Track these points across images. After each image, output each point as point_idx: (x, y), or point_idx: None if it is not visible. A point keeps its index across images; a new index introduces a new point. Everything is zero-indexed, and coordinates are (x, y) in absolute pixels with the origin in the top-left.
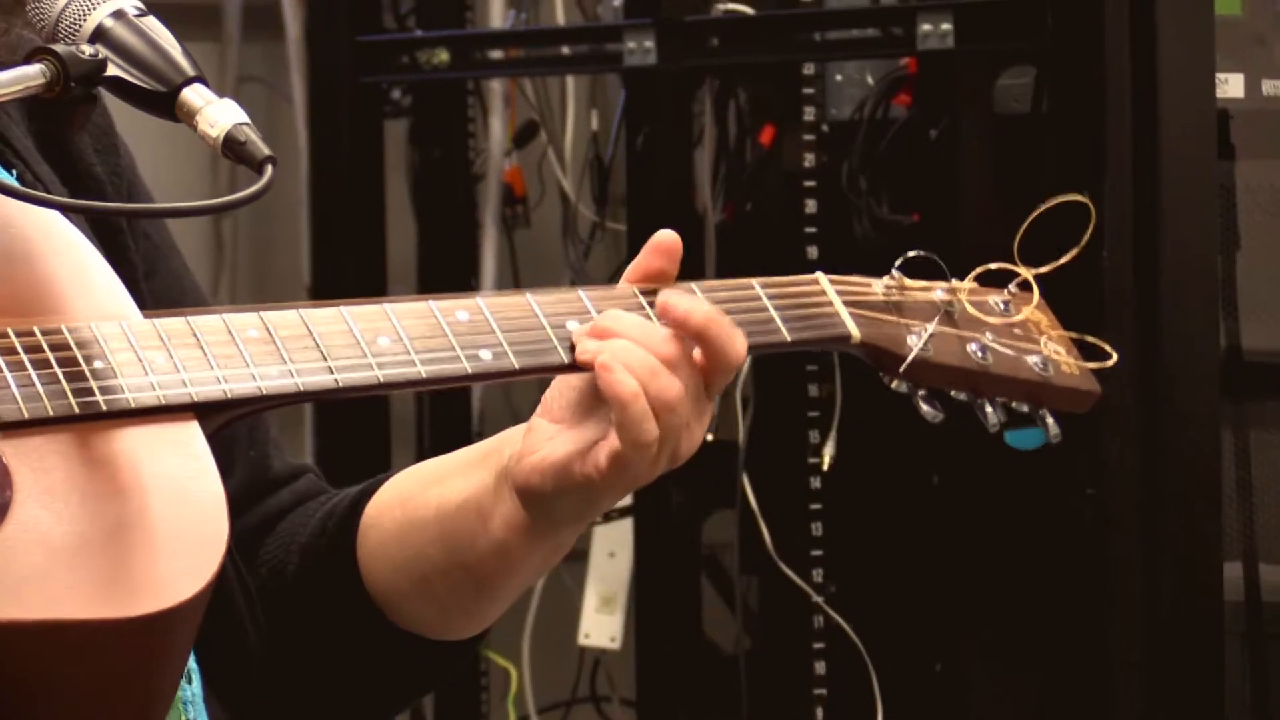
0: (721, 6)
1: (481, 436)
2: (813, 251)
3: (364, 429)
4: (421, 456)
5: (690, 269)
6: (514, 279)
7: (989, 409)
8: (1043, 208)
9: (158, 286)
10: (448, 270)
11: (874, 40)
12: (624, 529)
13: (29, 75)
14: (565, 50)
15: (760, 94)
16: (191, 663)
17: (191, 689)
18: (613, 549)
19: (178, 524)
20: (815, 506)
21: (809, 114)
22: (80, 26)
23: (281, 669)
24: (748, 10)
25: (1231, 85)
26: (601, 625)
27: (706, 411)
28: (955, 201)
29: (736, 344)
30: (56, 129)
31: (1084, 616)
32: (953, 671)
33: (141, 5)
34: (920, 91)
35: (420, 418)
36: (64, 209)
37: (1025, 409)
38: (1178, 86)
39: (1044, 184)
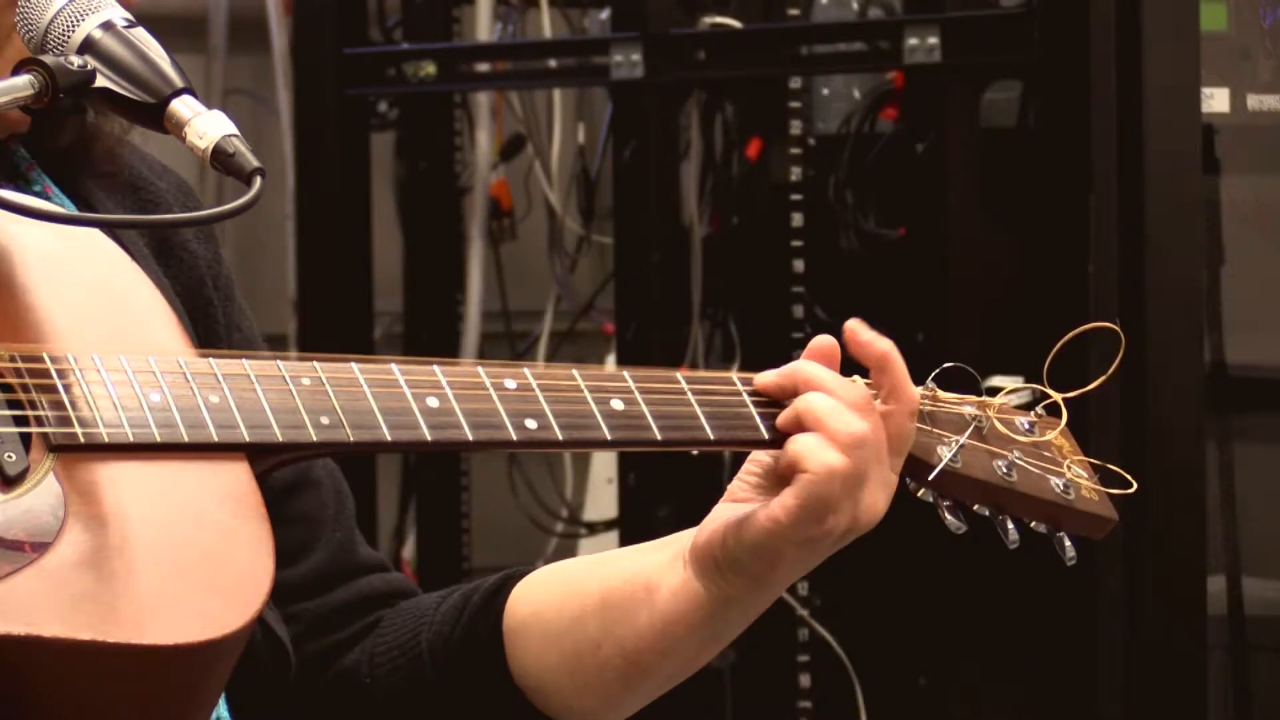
0: (708, 20)
1: (469, 472)
2: (799, 265)
3: (349, 465)
4: (406, 488)
5: (676, 282)
6: (500, 292)
7: (1009, 525)
8: (1074, 333)
9: None
10: (434, 283)
11: (861, 54)
12: (610, 541)
13: (17, 86)
14: (552, 63)
15: (747, 107)
16: (223, 708)
17: None
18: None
19: (223, 560)
20: None
21: (796, 128)
22: (69, 38)
23: None
24: (735, 24)
25: (1217, 100)
26: None
27: (889, 480)
28: (941, 215)
29: (909, 381)
30: (143, 195)
31: (1068, 629)
32: (937, 684)
33: (130, 17)
34: (907, 105)
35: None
36: (71, 222)
37: (1043, 529)
38: (1163, 101)
39: (1030, 198)
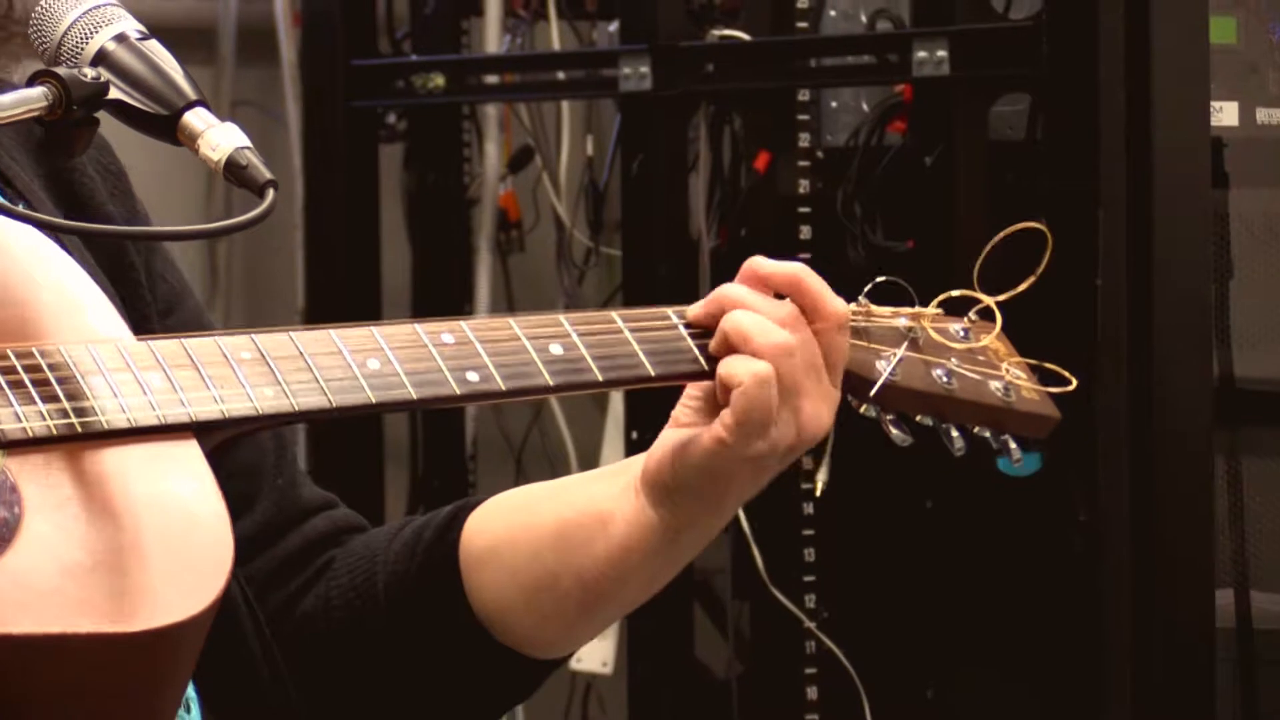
0: (717, 32)
1: (475, 459)
2: None
3: (358, 451)
4: (415, 478)
5: (684, 294)
6: (508, 303)
7: (954, 433)
8: (1000, 235)
9: (175, 325)
10: (442, 295)
11: (869, 67)
12: None
13: (31, 98)
14: (560, 75)
15: (755, 120)
16: (191, 691)
17: (190, 718)
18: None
19: (182, 541)
20: (808, 532)
21: (804, 140)
22: (82, 50)
23: (336, 696)
24: (743, 36)
25: (1226, 113)
26: (593, 650)
27: (830, 394)
28: (950, 228)
29: (832, 296)
30: (65, 169)
31: (1076, 642)
32: (945, 697)
33: (143, 29)
34: (915, 118)
35: (414, 440)
36: (60, 230)
37: (988, 434)
38: (1172, 114)
39: (1038, 211)
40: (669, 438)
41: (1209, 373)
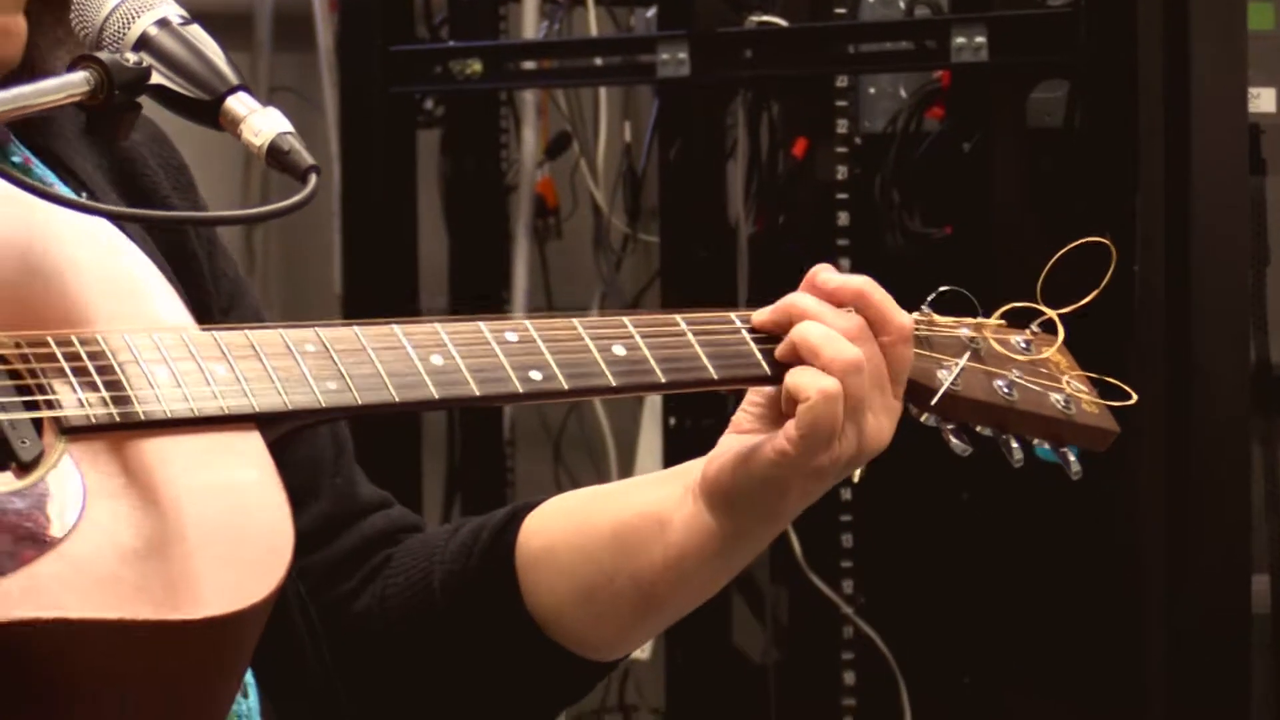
0: (755, 19)
1: (514, 447)
2: (845, 264)
3: (395, 441)
4: (452, 467)
5: (722, 281)
6: (545, 290)
7: (1014, 445)
8: (1066, 249)
9: (235, 320)
10: (479, 281)
11: (908, 53)
12: None
13: (73, 83)
14: (598, 61)
15: (793, 106)
16: (249, 677)
17: (248, 703)
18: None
19: (242, 531)
20: (845, 518)
21: (842, 126)
22: (124, 34)
23: (389, 695)
24: (781, 22)
25: (1263, 99)
26: None
27: (892, 407)
28: (988, 215)
29: (897, 309)
30: (127, 160)
31: (1112, 628)
32: (982, 684)
33: (185, 14)
34: (953, 105)
35: (451, 429)
36: (110, 216)
37: (1047, 446)
38: (1210, 101)
39: (1076, 198)
40: (730, 445)
41: (1245, 359)
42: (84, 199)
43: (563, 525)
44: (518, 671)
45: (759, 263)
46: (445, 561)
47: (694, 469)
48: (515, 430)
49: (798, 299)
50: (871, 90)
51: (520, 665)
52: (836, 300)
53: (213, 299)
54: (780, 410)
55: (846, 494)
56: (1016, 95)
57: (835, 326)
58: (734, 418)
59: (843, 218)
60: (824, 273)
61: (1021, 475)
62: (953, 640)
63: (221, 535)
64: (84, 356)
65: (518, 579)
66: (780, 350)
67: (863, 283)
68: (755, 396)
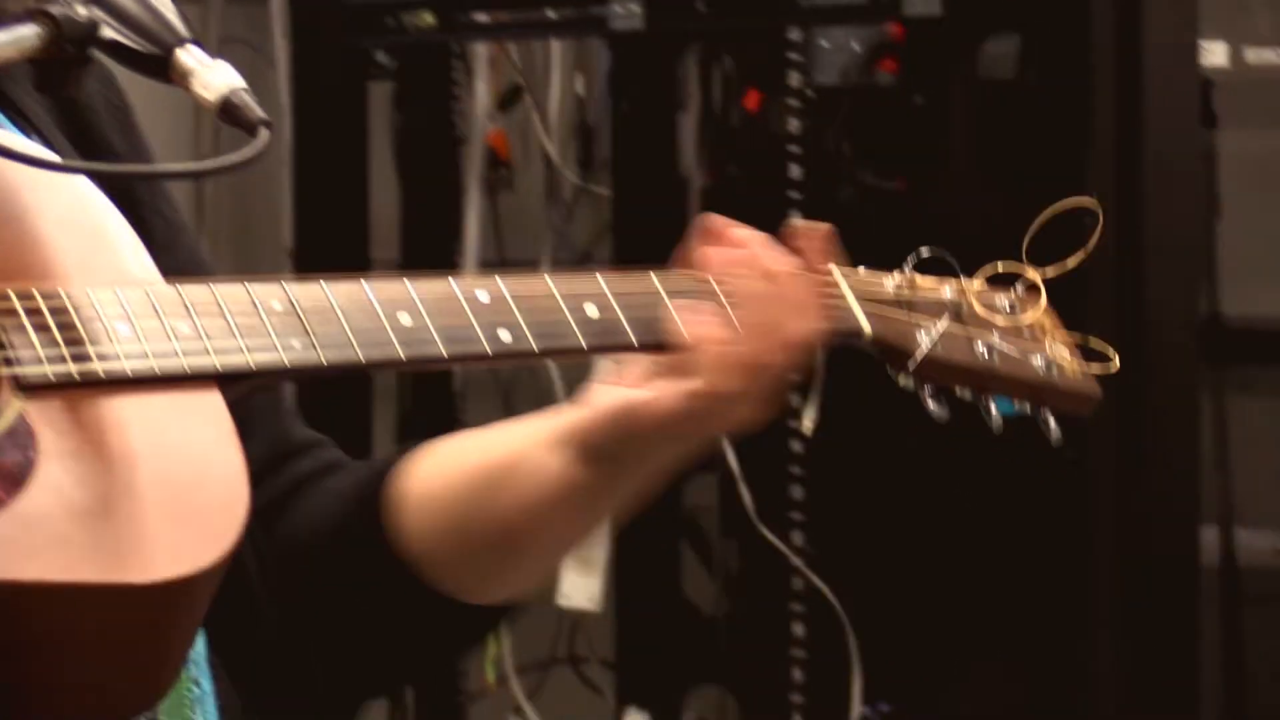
0: None
1: (465, 402)
2: (797, 216)
3: (346, 389)
4: (403, 422)
5: (674, 233)
6: (497, 242)
7: (992, 408)
8: (1052, 210)
9: (173, 262)
10: (431, 233)
11: (860, 7)
12: None
13: (22, 36)
14: (551, 14)
15: (746, 59)
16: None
17: (195, 649)
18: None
19: (198, 491)
20: (796, 470)
21: (794, 80)
22: None
23: (302, 634)
24: None
25: (1215, 53)
26: (581, 587)
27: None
28: (940, 168)
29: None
30: (74, 102)
31: (1062, 579)
32: (931, 635)
33: None
34: (906, 58)
35: (402, 380)
36: (60, 170)
37: (1027, 408)
38: (1161, 54)
39: (1028, 151)
40: (604, 399)
41: (1196, 311)
42: (34, 140)
43: (439, 473)
44: (403, 619)
45: (710, 215)
46: (334, 510)
47: (565, 417)
48: (465, 380)
49: (750, 284)
50: (824, 43)
51: (401, 612)
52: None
53: (153, 240)
54: (660, 366)
55: (797, 446)
56: (969, 48)
57: (783, 332)
58: (605, 364)
59: (795, 171)
60: (766, 254)
61: (971, 427)
62: (902, 592)
63: (177, 496)
64: (45, 311)
65: (394, 527)
66: (689, 320)
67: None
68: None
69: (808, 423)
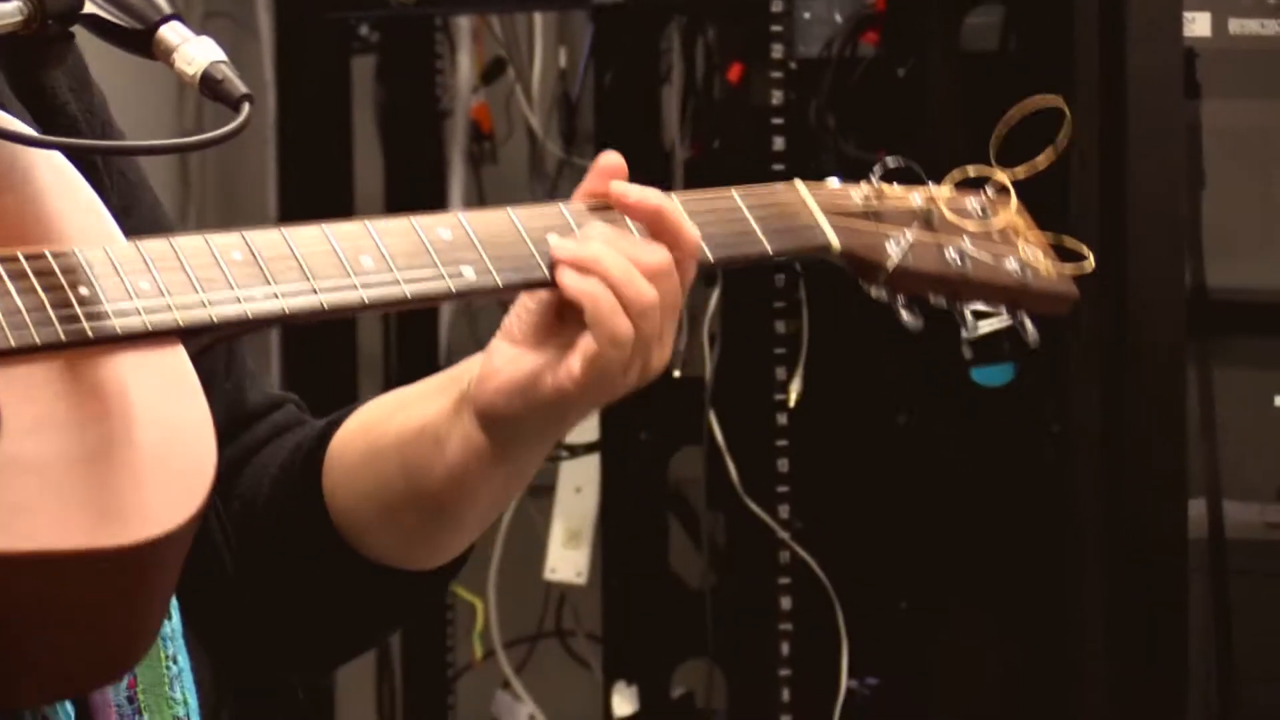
0: None
1: (449, 367)
2: None
3: (332, 361)
4: (389, 388)
5: None
6: None
7: (968, 314)
8: (1017, 110)
9: (134, 223)
10: (414, 206)
11: None
12: (591, 465)
13: (6, 12)
14: None
15: (728, 31)
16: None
17: (171, 624)
18: (579, 484)
19: (166, 450)
20: (782, 443)
21: (777, 51)
22: None
23: (253, 603)
24: None
25: (1198, 24)
26: (568, 560)
27: (673, 331)
28: (923, 139)
29: (689, 225)
30: (28, 67)
31: (1049, 553)
32: (918, 608)
33: None
34: (889, 30)
35: (387, 350)
36: (40, 145)
37: (1003, 313)
38: (1145, 25)
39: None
40: (505, 371)
41: (1181, 283)
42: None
43: (359, 445)
44: (345, 589)
45: (694, 187)
46: (271, 479)
47: (463, 378)
48: (451, 352)
49: (598, 228)
50: (807, 15)
51: (343, 583)
52: (633, 217)
53: (111, 194)
54: (555, 316)
55: (783, 419)
56: (952, 20)
57: (639, 262)
58: (504, 322)
59: (778, 143)
60: (620, 185)
61: (958, 398)
62: (889, 565)
63: (145, 456)
64: (3, 275)
65: (325, 503)
66: (566, 275)
67: (660, 200)
68: (529, 301)
69: (793, 395)
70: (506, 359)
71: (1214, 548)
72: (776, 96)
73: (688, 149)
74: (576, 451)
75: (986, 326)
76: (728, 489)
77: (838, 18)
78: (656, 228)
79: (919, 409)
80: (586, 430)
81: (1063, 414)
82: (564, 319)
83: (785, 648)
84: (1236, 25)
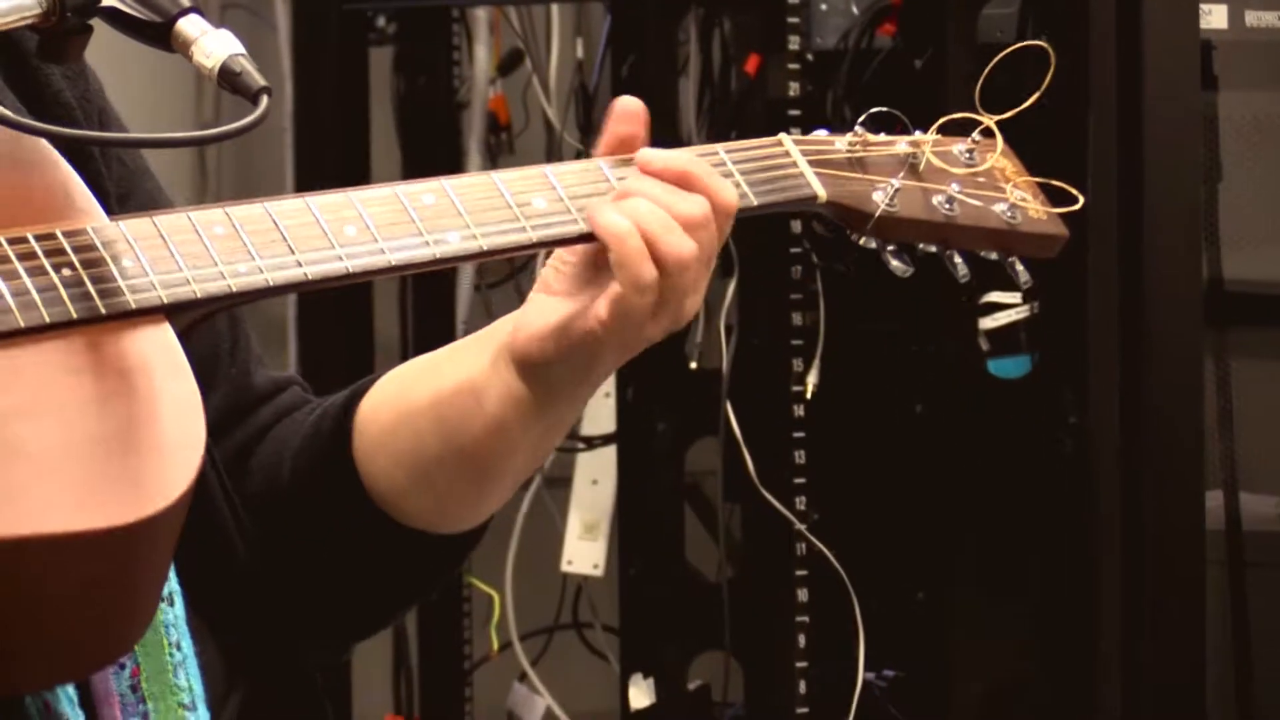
0: None
1: None
2: None
3: (347, 350)
4: None
5: None
6: None
7: (958, 260)
8: (1002, 54)
9: (133, 209)
10: None
11: None
12: (607, 456)
13: (25, 5)
14: None
15: (745, 22)
16: (174, 584)
17: (174, 611)
18: (596, 476)
19: (155, 427)
20: (798, 434)
21: (794, 43)
22: None
23: (277, 578)
24: None
25: (1215, 16)
26: (584, 552)
27: (706, 278)
28: (939, 132)
29: (726, 188)
30: (22, 58)
31: (1067, 545)
32: (935, 599)
33: None
34: (905, 21)
35: (404, 334)
36: (52, 137)
37: (994, 257)
38: (1162, 17)
39: (1028, 114)
40: (539, 312)
41: (1198, 275)
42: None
43: (391, 408)
44: (377, 556)
45: None
46: (293, 453)
47: (502, 332)
48: (466, 333)
49: (640, 181)
50: (824, 6)
51: (376, 550)
52: (667, 179)
53: (107, 182)
54: (592, 267)
55: (799, 410)
56: (968, 11)
57: (676, 213)
58: (542, 273)
59: (795, 134)
60: (644, 153)
61: (975, 389)
62: (906, 557)
63: (135, 434)
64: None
65: (357, 469)
66: (597, 213)
67: (686, 161)
68: (565, 254)
69: (810, 387)
70: (541, 307)
71: (1231, 539)
72: (793, 88)
73: (705, 140)
74: (593, 443)
75: (1003, 318)
76: (744, 481)
77: (854, 9)
78: (687, 187)
79: (936, 400)
80: (603, 422)
81: (1080, 406)
82: (599, 270)
83: (802, 640)
84: (1253, 17)
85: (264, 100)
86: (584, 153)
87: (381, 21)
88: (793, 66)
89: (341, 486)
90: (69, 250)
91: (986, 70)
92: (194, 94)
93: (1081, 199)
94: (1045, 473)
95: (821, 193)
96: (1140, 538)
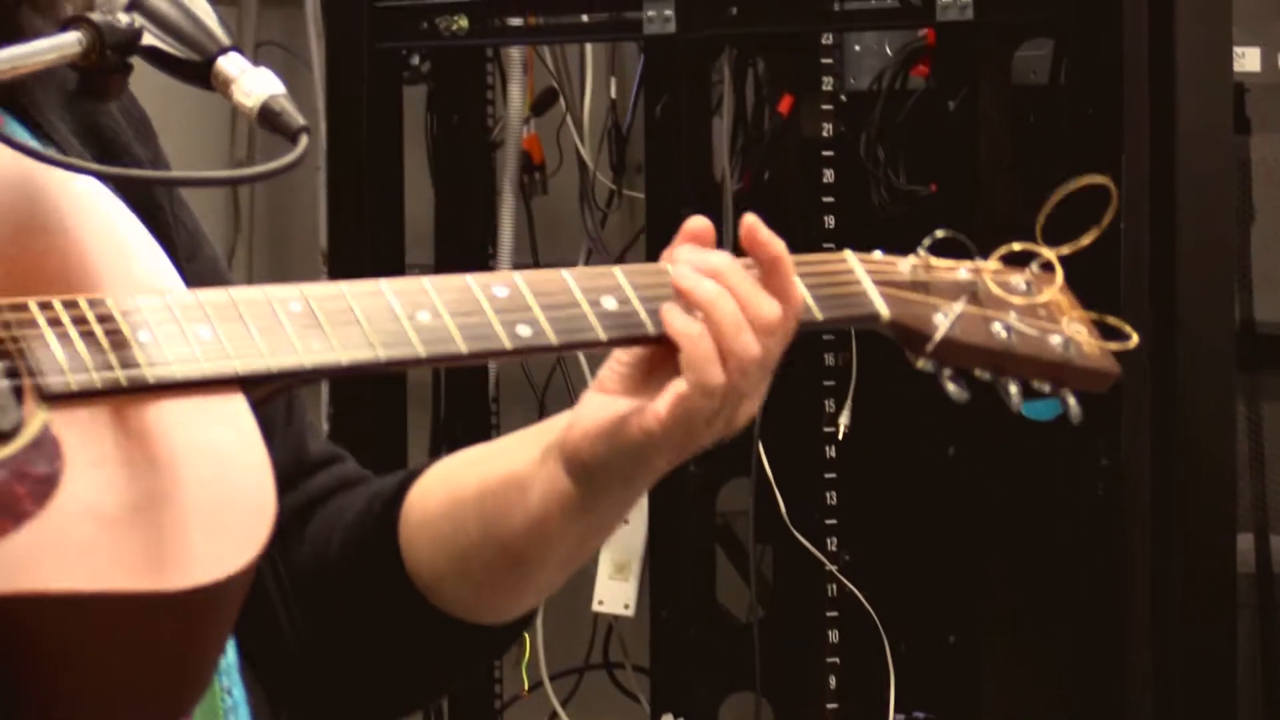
0: None
1: (499, 404)
2: (830, 221)
3: (380, 397)
4: (438, 425)
5: None
6: (531, 246)
7: (1012, 388)
8: (1065, 189)
9: (196, 270)
10: (465, 237)
11: (893, 10)
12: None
13: (65, 43)
14: (585, 18)
15: (779, 63)
16: (233, 658)
17: (226, 659)
18: (627, 516)
19: (225, 495)
20: (830, 475)
21: (827, 84)
22: None
23: (320, 652)
24: None
25: (1248, 59)
26: (615, 592)
27: (765, 385)
28: (972, 173)
29: (802, 298)
30: (93, 111)
31: (1098, 588)
32: (967, 642)
33: None
34: (939, 62)
35: (437, 385)
36: (98, 175)
37: (1047, 388)
38: (1195, 60)
39: (1061, 156)
40: (594, 410)
41: (1230, 317)
42: (54, 153)
43: (438, 495)
44: (414, 640)
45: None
46: (345, 527)
47: (556, 429)
48: (500, 385)
49: (721, 258)
50: (857, 48)
51: (413, 634)
52: (760, 254)
53: (177, 249)
54: (647, 371)
55: (831, 451)
56: (1002, 53)
57: (752, 314)
58: (599, 374)
59: (828, 175)
60: (753, 220)
61: (1007, 431)
62: (938, 598)
63: (203, 501)
64: (65, 321)
65: (401, 552)
66: (672, 314)
67: (783, 250)
68: (622, 354)
69: (842, 427)
70: (595, 405)
71: (1262, 582)
72: (826, 128)
73: (738, 180)
74: None
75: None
76: (776, 521)
77: (888, 50)
78: (770, 274)
79: (968, 442)
80: None
81: (1112, 448)
82: (655, 373)
83: (833, 681)
84: None
85: (303, 139)
86: (617, 192)
87: (415, 60)
88: (826, 107)
89: (384, 566)
90: (146, 317)
91: (1048, 206)
92: (228, 131)
93: (1135, 337)
94: (1077, 515)
95: (885, 312)
96: (1171, 580)
